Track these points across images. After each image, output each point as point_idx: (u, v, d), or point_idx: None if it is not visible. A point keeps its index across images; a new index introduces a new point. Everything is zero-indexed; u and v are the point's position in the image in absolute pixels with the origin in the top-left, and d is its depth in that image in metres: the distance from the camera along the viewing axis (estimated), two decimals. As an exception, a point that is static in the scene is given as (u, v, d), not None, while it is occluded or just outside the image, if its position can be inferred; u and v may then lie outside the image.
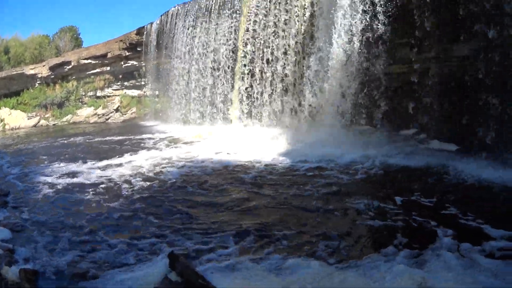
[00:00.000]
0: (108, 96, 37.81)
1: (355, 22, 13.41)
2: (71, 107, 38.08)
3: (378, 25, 12.88)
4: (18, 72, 37.70)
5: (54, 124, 36.60)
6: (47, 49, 44.45)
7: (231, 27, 21.73)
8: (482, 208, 7.45)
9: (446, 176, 9.79)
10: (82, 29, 61.24)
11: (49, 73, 38.02)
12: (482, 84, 10.41)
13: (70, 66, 37.36)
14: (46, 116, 37.64)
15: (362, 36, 13.28)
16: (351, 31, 13.53)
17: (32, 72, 37.62)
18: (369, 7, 13.10)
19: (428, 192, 8.59)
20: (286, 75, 18.11)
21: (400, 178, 10.07)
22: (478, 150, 10.49)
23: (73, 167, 13.28)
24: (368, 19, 13.17)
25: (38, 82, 38.50)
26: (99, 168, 12.92)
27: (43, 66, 38.15)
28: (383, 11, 12.76)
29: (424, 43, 12.10)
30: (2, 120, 36.10)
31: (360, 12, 13.28)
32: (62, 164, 13.96)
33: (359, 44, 13.35)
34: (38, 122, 37.00)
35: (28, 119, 36.99)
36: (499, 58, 10.05)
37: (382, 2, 12.76)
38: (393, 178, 10.13)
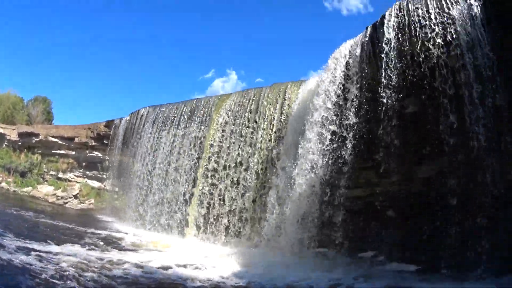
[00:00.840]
0: (69, 181, 37.24)
1: (321, 148, 13.68)
2: (33, 180, 37.70)
3: (343, 151, 13.12)
4: (-11, 124, 37.84)
5: (14, 191, 36.20)
6: (19, 113, 44.75)
7: (198, 138, 21.99)
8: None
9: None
10: (54, 101, 61.65)
11: (17, 139, 38.30)
12: (443, 204, 10.69)
13: (38, 139, 37.52)
14: (8, 180, 37.33)
15: (326, 162, 13.45)
16: (314, 158, 13.73)
17: (1, 131, 38.14)
18: (334, 136, 13.50)
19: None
20: (247, 195, 17.95)
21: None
22: (437, 269, 10.50)
23: (10, 242, 12.92)
24: (333, 147, 13.46)
25: (5, 143, 38.76)
26: (36, 251, 12.18)
27: (13, 129, 38.65)
28: (348, 137, 13.08)
29: (388, 166, 12.20)
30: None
31: (326, 139, 13.62)
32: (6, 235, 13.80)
33: (322, 170, 13.45)
34: (0, 183, 36.63)
35: (-9, 176, 36.42)
36: (462, 179, 10.43)
37: (348, 131, 13.11)
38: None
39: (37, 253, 11.91)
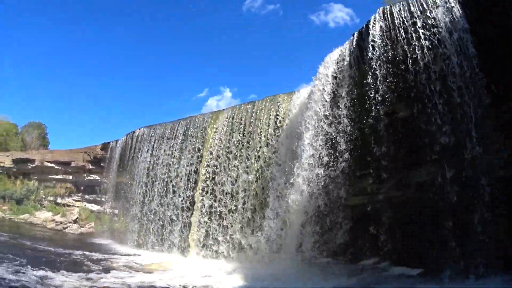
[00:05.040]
0: (68, 206, 36.71)
1: (316, 159, 13.68)
2: (29, 207, 36.93)
3: (337, 161, 13.19)
4: (-18, 152, 37.10)
5: (10, 219, 35.44)
6: (13, 139, 44.02)
7: (194, 155, 21.78)
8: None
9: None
10: (49, 126, 60.79)
11: (12, 165, 37.71)
12: (442, 207, 10.55)
13: (34, 165, 36.99)
14: (3, 208, 36.66)
15: (323, 172, 13.46)
16: (312, 167, 13.72)
17: (-6, 158, 37.00)
18: (329, 146, 13.54)
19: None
20: (245, 210, 17.82)
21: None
22: (440, 271, 10.40)
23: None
24: (327, 157, 13.50)
25: (-1, 170, 37.79)
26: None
27: (7, 156, 38.03)
28: (342, 146, 13.16)
29: (384, 173, 12.15)
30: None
31: (321, 149, 13.66)
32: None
33: (320, 180, 13.44)
34: (-5, 211, 35.79)
35: (-15, 204, 35.76)
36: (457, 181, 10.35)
37: (342, 139, 13.17)
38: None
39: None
